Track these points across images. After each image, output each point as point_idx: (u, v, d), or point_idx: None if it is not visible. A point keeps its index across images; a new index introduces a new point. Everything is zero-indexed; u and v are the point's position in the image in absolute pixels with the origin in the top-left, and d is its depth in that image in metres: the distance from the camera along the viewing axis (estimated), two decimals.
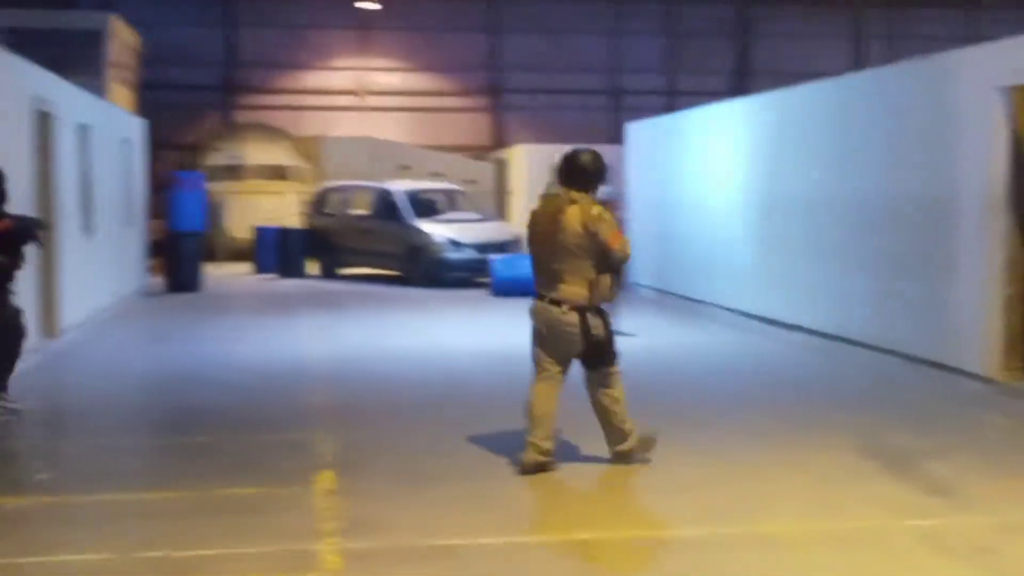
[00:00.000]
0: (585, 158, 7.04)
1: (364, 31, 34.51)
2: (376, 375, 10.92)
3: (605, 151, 23.12)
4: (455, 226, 20.67)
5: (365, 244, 21.65)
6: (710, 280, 16.34)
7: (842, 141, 12.67)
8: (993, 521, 6.11)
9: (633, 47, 35.49)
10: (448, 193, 23.03)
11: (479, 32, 34.88)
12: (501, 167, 30.60)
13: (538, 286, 7.10)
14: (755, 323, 14.45)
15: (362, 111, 34.57)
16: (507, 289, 18.28)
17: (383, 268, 21.78)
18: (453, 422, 8.65)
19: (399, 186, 22.00)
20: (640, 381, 10.06)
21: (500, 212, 28.10)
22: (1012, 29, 11.20)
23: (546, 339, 7.05)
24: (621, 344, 7.42)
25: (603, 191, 13.03)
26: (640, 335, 13.01)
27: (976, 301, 10.20)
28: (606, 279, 6.92)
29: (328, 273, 22.28)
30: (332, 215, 22.86)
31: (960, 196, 10.42)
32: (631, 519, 6.30)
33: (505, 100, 35.54)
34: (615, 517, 6.32)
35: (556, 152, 25.38)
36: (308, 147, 30.64)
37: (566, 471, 7.20)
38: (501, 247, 20.36)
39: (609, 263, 6.91)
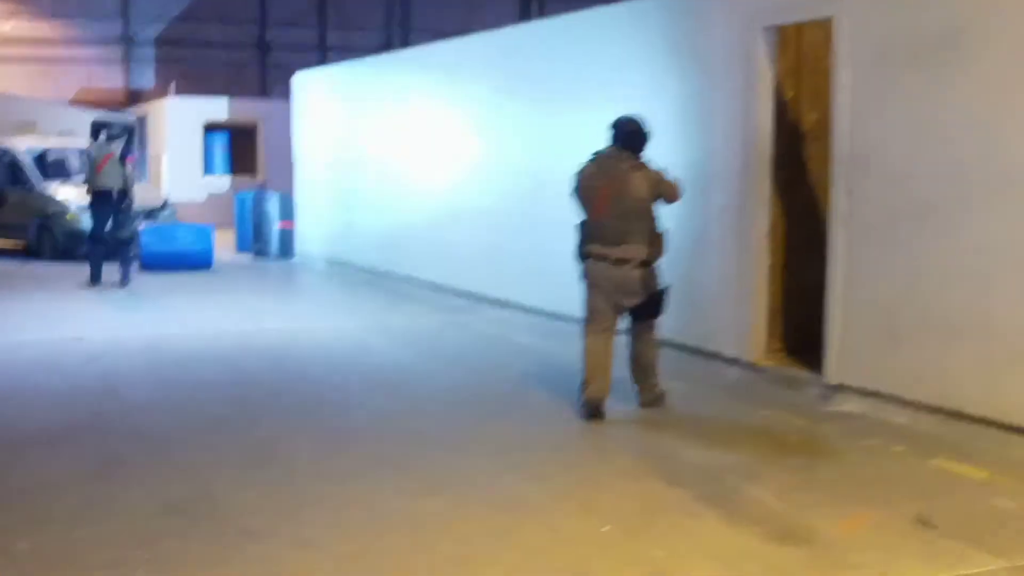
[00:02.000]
0: (634, 124, 7.40)
1: None
2: None
3: (254, 106, 21.26)
4: None
5: None
6: (402, 251, 14.45)
7: (557, 94, 11.07)
8: None
9: None
10: (83, 153, 19.76)
11: None
12: (142, 124, 27.39)
13: (597, 245, 7.35)
14: (457, 300, 12.71)
15: None
16: (157, 263, 15.71)
17: (4, 240, 18.45)
18: (115, 459, 6.32)
19: (22, 144, 18.67)
20: (318, 381, 8.18)
21: (145, 174, 25.04)
22: None
23: (608, 295, 7.36)
24: None
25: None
26: (329, 318, 10.96)
27: (733, 276, 8.86)
28: (663, 237, 7.38)
29: None
30: None
31: (714, 156, 9.03)
32: None
33: (143, 51, 32.53)
34: None
35: (205, 106, 22.86)
36: None
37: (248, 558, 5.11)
38: (150, 215, 17.63)
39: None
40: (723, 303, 8.96)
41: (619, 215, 7.24)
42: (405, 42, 31.37)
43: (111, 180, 13.58)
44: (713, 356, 9.00)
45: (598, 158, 7.41)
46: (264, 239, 17.86)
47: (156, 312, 12.03)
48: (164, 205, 18.45)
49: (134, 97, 32.23)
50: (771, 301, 8.83)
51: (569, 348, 9.79)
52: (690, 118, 9.24)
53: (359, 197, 15.77)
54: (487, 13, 31.64)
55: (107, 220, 13.72)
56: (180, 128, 25.00)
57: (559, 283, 10.95)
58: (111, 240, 13.78)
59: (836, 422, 7.30)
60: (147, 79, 32.69)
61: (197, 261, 15.98)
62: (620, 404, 7.74)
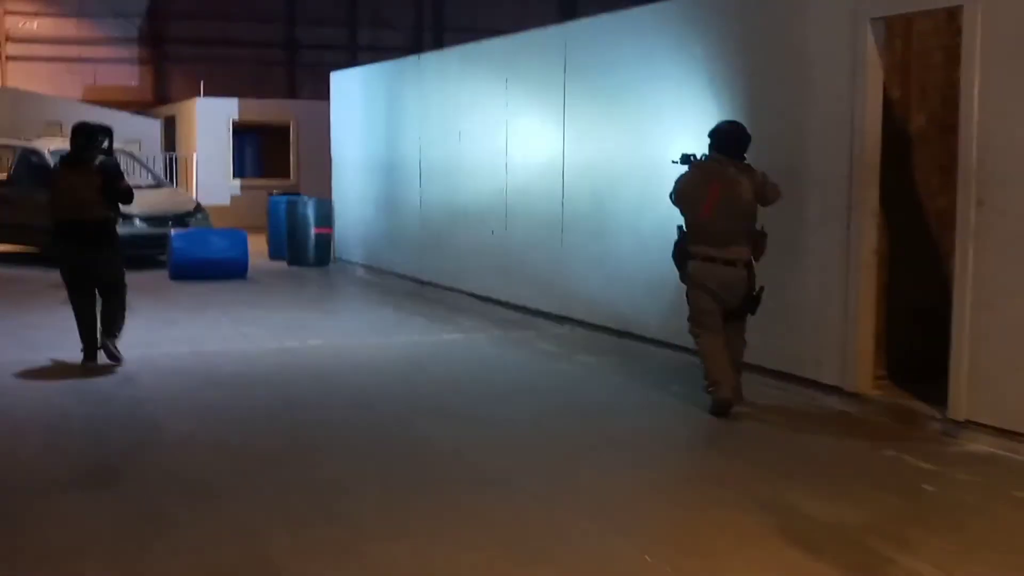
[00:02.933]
0: (736, 127, 7.60)
1: None
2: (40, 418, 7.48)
3: (286, 106, 20.50)
4: None
5: (3, 216, 17.40)
6: (448, 260, 13.61)
7: (628, 91, 10.21)
8: None
9: None
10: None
11: None
12: (170, 125, 26.66)
13: (703, 247, 7.44)
14: (511, 314, 11.86)
15: (2, 61, 30.20)
16: (188, 271, 14.88)
17: (28, 245, 17.63)
18: (154, 512, 5.48)
19: (48, 145, 17.85)
20: (375, 409, 7.04)
21: (174, 177, 24.28)
22: None
23: (717, 296, 7.46)
24: None
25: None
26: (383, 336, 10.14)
27: (835, 294, 7.95)
28: (765, 237, 7.50)
29: None
30: None
31: (812, 161, 8.13)
32: None
33: (169, 50, 31.89)
34: None
35: (234, 106, 22.13)
36: None
37: None
38: (180, 220, 16.82)
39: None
40: (822, 324, 8.06)
41: (727, 217, 7.39)
42: (438, 41, 30.58)
43: None
44: (808, 383, 8.10)
45: (702, 165, 7.57)
46: (300, 245, 17.03)
47: (192, 326, 11.21)
48: (196, 209, 17.62)
49: (161, 97, 31.59)
50: (876, 325, 7.94)
51: (643, 370, 8.95)
52: (784, 119, 8.35)
53: (402, 201, 14.94)
54: (522, 11, 30.84)
55: None
56: (209, 129, 24.24)
57: (628, 297, 10.11)
58: None
59: (971, 466, 6.39)
60: (174, 79, 32.02)
61: (231, 269, 15.17)
62: (721, 441, 6.87)
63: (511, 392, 8.39)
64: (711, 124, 7.87)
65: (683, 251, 7.56)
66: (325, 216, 17.09)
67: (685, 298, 7.65)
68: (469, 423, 7.36)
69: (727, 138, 7.50)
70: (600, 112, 10.60)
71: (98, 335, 8.89)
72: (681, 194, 7.56)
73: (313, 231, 16.95)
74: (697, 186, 7.47)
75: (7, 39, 30.74)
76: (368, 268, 16.03)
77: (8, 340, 10.25)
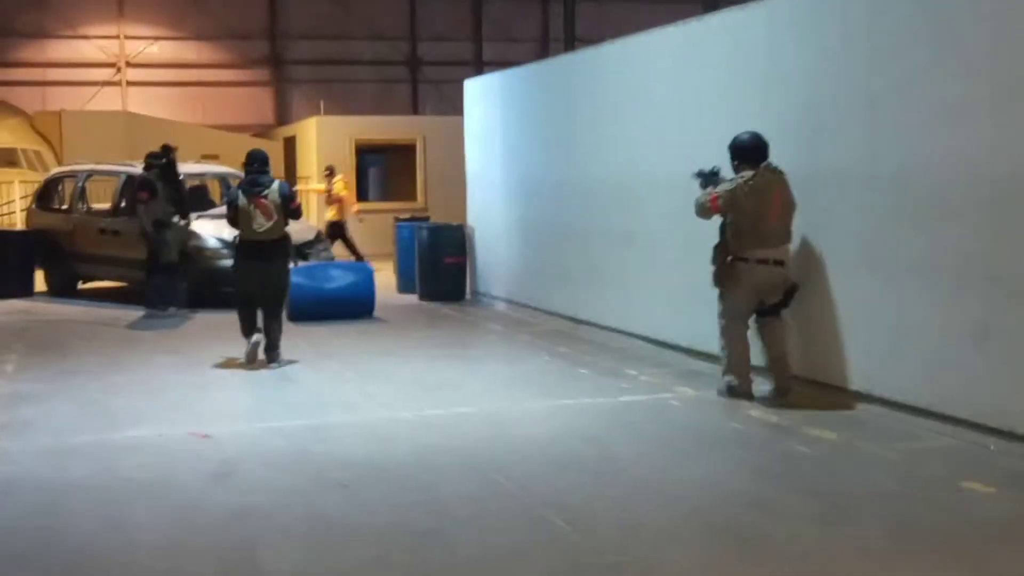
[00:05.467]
0: (763, 138, 8.04)
1: None
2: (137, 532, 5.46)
3: (409, 123, 18.93)
4: None
5: (110, 249, 15.56)
6: (609, 294, 11.35)
7: (847, 73, 7.86)
8: None
9: (432, 13, 31.20)
10: (225, 179, 17.05)
11: None
12: (290, 146, 25.05)
13: (760, 249, 7.90)
14: (695, 363, 9.57)
15: (122, 86, 29.90)
16: (308, 310, 12.87)
17: (135, 281, 15.78)
18: None
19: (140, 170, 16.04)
20: (566, 528, 5.06)
21: None
22: None
23: (757, 295, 8.02)
24: None
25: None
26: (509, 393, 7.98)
27: None
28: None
29: (61, 290, 16.19)
30: (64, 211, 16.80)
31: None
32: None
33: (289, 72, 30.90)
34: None
35: (356, 124, 20.34)
36: (47, 125, 24.64)
37: None
38: (299, 251, 14.82)
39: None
40: None
41: (783, 218, 7.94)
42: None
43: (137, 211, 14.10)
44: None
45: (760, 173, 7.89)
46: (431, 277, 14.97)
47: (309, 386, 9.17)
48: (316, 239, 15.66)
49: (281, 119, 30.46)
50: None
51: (921, 457, 6.38)
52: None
53: (552, 225, 12.73)
54: (655, 21, 28.59)
55: (150, 250, 13.86)
56: (329, 149, 22.45)
57: (862, 345, 7.70)
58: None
59: None
60: (294, 100, 30.86)
61: (356, 307, 13.19)
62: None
63: (762, 499, 5.99)
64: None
65: (728, 253, 7.95)
66: (458, 243, 15.03)
67: (721, 296, 8.09)
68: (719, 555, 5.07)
69: (763, 147, 7.96)
70: (808, 103, 8.26)
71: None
72: (742, 203, 7.85)
73: (445, 260, 14.91)
74: (761, 195, 7.85)
75: (127, 64, 30.17)
76: (511, 303, 13.89)
77: (84, 410, 8.28)
